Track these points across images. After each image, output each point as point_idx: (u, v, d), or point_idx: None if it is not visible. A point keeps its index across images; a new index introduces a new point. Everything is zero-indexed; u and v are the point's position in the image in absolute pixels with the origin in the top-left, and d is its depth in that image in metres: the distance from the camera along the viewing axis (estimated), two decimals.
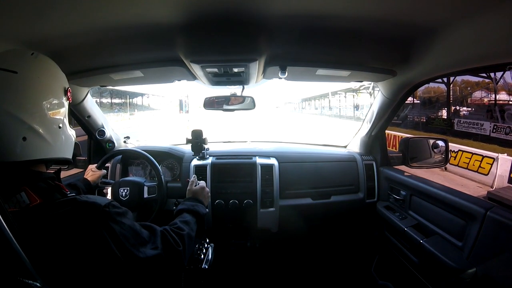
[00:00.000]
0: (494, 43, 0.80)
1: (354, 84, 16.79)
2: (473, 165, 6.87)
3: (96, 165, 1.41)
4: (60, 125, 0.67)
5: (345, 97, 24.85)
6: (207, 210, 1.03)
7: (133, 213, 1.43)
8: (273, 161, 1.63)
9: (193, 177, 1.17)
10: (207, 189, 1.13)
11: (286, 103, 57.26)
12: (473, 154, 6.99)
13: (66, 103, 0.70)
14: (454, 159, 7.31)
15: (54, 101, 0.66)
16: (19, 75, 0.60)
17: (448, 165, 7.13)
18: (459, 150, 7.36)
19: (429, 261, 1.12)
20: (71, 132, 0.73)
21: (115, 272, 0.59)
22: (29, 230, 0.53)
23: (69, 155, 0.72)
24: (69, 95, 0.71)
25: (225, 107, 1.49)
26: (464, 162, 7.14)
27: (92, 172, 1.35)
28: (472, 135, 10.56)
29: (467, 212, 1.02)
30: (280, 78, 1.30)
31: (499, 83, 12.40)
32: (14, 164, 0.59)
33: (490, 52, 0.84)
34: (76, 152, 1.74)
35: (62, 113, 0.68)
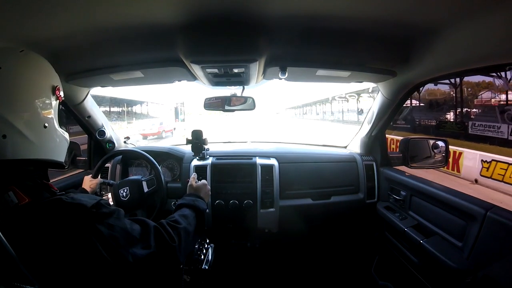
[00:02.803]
0: (494, 44, 0.80)
1: (356, 88, 16.77)
2: (510, 177, 5.74)
3: (91, 176, 1.37)
4: (46, 124, 0.63)
5: (347, 101, 24.63)
6: (207, 210, 1.03)
7: (137, 211, 1.40)
8: (273, 161, 1.63)
9: (193, 175, 1.16)
10: (209, 187, 1.12)
11: (286, 108, 56.61)
12: (509, 164, 5.82)
13: (54, 102, 0.67)
14: (487, 171, 6.21)
15: (40, 99, 0.63)
16: (2, 71, 0.57)
17: (479, 177, 6.22)
18: (492, 160, 6.14)
19: (429, 261, 1.11)
20: (62, 133, 0.69)
21: (107, 275, 0.57)
22: (19, 231, 0.52)
23: (59, 157, 0.68)
24: (58, 94, 0.68)
25: (225, 107, 1.50)
26: (499, 174, 5.96)
27: (89, 183, 1.33)
28: (489, 138, 9.43)
29: (467, 212, 1.02)
30: (280, 78, 1.30)
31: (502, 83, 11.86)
32: (1, 163, 0.57)
33: (490, 52, 0.84)
34: (76, 152, 1.74)
35: (48, 112, 0.65)
